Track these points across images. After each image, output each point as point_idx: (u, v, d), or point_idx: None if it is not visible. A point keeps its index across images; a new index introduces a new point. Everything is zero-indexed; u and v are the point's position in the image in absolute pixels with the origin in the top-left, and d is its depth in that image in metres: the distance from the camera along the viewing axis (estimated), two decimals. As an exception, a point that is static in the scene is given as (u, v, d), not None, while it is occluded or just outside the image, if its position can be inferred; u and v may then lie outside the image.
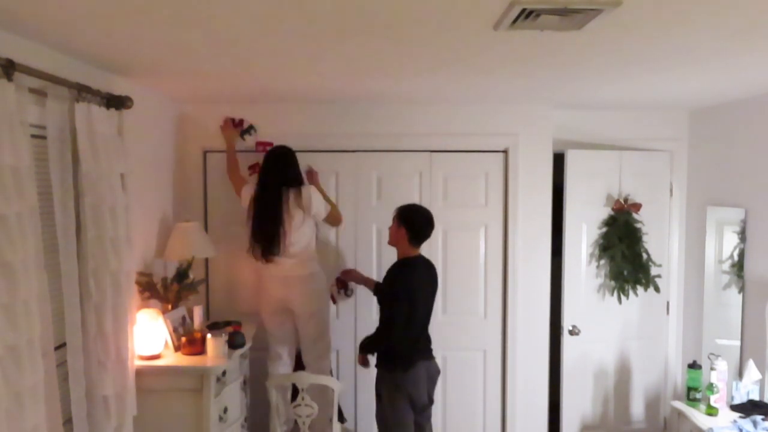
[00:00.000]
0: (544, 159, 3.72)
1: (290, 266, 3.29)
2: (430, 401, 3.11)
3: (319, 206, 3.32)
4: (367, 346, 3.11)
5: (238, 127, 3.60)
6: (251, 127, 3.62)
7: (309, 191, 3.30)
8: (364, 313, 3.80)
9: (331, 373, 3.57)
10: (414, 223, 2.98)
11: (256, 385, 3.56)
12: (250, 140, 3.61)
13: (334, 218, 3.49)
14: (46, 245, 2.07)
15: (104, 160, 2.33)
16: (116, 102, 2.51)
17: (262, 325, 3.44)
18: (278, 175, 3.26)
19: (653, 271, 3.83)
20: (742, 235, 3.41)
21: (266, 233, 3.23)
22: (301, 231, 3.28)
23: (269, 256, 3.25)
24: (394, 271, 3.01)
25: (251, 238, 3.28)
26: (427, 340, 3.12)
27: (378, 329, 3.02)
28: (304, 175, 3.44)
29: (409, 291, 2.92)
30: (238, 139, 3.60)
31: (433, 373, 3.12)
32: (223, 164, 3.62)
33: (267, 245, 3.24)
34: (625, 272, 3.80)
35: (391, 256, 3.75)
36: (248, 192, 3.34)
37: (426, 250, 3.73)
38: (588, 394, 3.94)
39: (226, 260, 3.68)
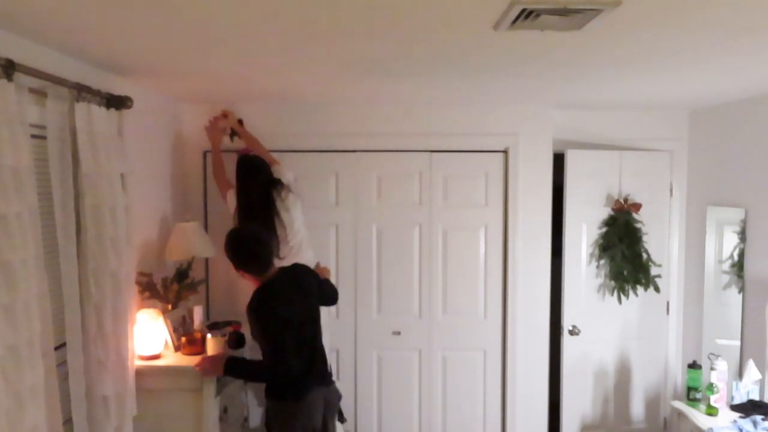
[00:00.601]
0: (544, 159, 3.72)
1: (288, 259, 3.26)
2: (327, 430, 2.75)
3: (287, 174, 3.30)
4: (240, 372, 2.69)
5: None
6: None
7: (282, 173, 3.27)
8: (365, 313, 3.80)
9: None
10: (236, 261, 2.62)
11: (256, 385, 3.56)
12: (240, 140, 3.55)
13: (272, 159, 3.38)
14: (46, 245, 2.07)
15: (104, 160, 2.33)
16: (116, 102, 2.51)
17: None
18: (260, 180, 3.22)
19: (653, 271, 3.83)
20: (742, 235, 3.41)
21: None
22: (296, 225, 3.28)
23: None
24: (252, 306, 2.56)
25: None
26: (322, 362, 2.75)
27: (269, 364, 2.58)
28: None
29: (277, 323, 2.52)
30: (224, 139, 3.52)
31: (333, 401, 2.78)
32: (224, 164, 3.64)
33: None
34: (625, 272, 3.80)
35: (391, 256, 3.78)
36: (232, 200, 3.28)
37: (426, 250, 3.77)
38: (588, 394, 3.94)
39: (226, 260, 3.64)
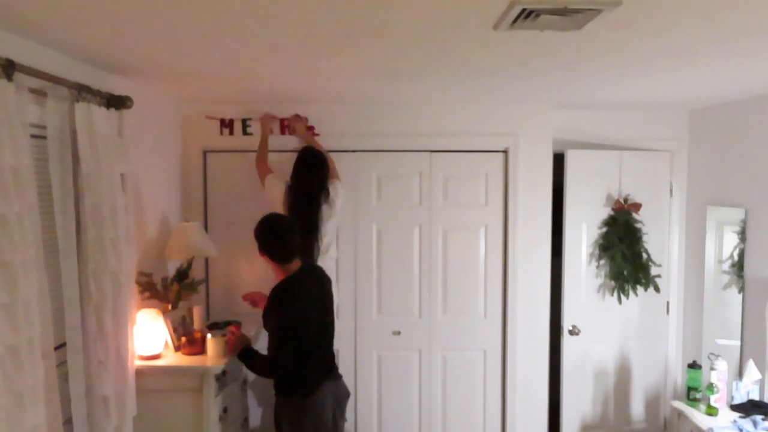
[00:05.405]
0: (544, 159, 3.72)
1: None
2: (337, 430, 2.76)
3: (341, 198, 3.37)
4: (248, 361, 2.72)
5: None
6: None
7: (337, 189, 3.34)
8: (365, 313, 3.80)
9: None
10: (263, 243, 2.64)
11: (256, 385, 3.56)
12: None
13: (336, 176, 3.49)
14: (46, 245, 2.07)
15: (104, 160, 2.33)
16: (116, 102, 2.51)
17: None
18: (318, 181, 3.27)
19: (653, 271, 3.83)
20: (742, 235, 3.41)
21: (305, 245, 3.17)
22: (325, 240, 3.32)
23: None
24: (274, 298, 2.61)
25: None
26: (331, 357, 2.80)
27: (269, 359, 2.65)
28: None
29: (294, 320, 2.55)
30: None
31: (341, 397, 2.79)
32: (224, 164, 3.68)
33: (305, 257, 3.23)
34: (625, 272, 3.80)
35: (391, 256, 3.78)
36: (275, 184, 3.28)
37: (426, 250, 3.77)
38: (588, 394, 3.94)
39: (226, 260, 3.68)
